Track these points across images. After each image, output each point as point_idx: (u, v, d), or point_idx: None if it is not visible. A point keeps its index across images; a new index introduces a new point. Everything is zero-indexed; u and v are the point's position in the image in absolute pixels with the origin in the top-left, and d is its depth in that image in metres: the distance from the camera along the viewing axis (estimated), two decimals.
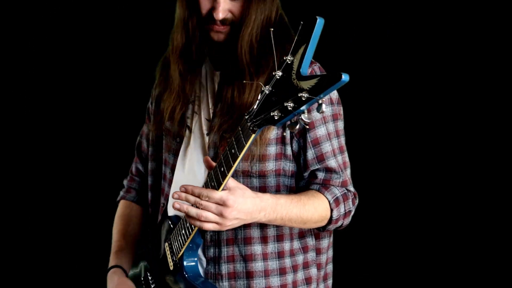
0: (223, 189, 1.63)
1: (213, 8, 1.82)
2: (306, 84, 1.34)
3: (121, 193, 2.31)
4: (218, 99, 1.94)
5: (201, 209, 1.62)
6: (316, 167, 1.87)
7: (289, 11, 1.95)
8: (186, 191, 1.66)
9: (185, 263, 1.89)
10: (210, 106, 1.97)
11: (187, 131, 2.01)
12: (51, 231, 3.57)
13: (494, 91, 2.95)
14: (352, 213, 1.91)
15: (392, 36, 3.00)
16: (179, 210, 1.66)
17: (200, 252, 1.92)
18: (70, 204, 3.55)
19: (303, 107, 1.36)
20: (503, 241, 2.99)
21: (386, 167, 3.12)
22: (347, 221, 1.90)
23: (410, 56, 3.02)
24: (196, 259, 1.91)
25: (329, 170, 1.87)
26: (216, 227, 1.65)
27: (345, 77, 1.28)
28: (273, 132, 1.84)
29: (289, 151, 1.88)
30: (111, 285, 2.11)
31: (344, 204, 1.87)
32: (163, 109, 2.04)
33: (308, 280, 1.94)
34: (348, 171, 1.94)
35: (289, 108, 1.37)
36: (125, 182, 2.32)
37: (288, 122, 1.42)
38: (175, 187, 2.03)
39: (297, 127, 1.41)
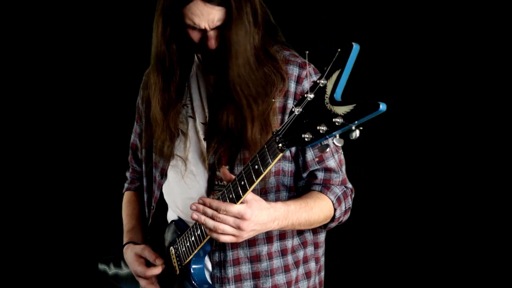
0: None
1: (204, 38, 1.80)
2: (340, 110, 1.34)
3: (126, 185, 2.33)
4: (213, 103, 1.93)
5: (218, 221, 1.64)
6: (316, 167, 1.89)
7: (294, 11, 1.95)
8: (204, 204, 1.66)
9: (192, 269, 1.90)
10: (206, 109, 1.96)
11: (182, 136, 1.99)
12: (48, 229, 3.56)
13: (494, 91, 2.98)
14: (351, 208, 1.97)
15: (392, 36, 3.01)
16: (196, 221, 1.67)
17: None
18: (66, 202, 3.53)
19: (336, 132, 1.36)
20: (502, 240, 3.05)
21: (379, 163, 3.15)
22: (346, 217, 1.96)
23: (409, 56, 3.02)
24: (202, 265, 1.92)
25: (328, 170, 1.90)
26: (232, 240, 1.67)
27: (382, 107, 1.28)
28: None
29: (287, 152, 1.89)
30: (125, 257, 2.10)
31: (345, 202, 1.92)
32: (156, 113, 1.99)
33: (308, 275, 1.99)
34: (344, 168, 1.97)
35: (321, 132, 1.38)
36: (127, 174, 2.33)
37: (318, 145, 1.43)
38: (177, 192, 2.02)
39: (327, 150, 1.42)
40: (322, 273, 2.08)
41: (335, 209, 1.89)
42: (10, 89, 3.48)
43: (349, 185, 1.96)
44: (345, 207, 1.92)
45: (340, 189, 1.91)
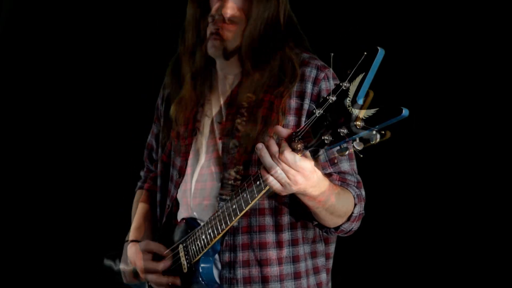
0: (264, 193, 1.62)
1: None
2: (362, 113, 1.34)
3: (139, 183, 2.33)
4: (231, 104, 1.94)
5: (277, 164, 1.52)
6: (329, 170, 1.87)
7: (299, 12, 1.98)
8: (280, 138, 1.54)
9: (201, 268, 1.89)
10: (223, 110, 1.96)
11: (198, 134, 2.00)
12: (55, 225, 3.58)
13: (494, 91, 2.94)
14: (363, 215, 1.89)
15: (402, 41, 2.99)
16: (259, 151, 1.54)
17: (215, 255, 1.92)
18: (72, 199, 3.56)
19: (356, 135, 1.36)
20: (503, 242, 2.99)
21: (377, 168, 3.12)
22: (357, 225, 1.88)
23: (412, 58, 2.99)
24: (211, 265, 1.91)
25: (342, 172, 1.87)
26: (278, 189, 1.56)
27: (405, 112, 1.27)
28: None
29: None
30: (129, 254, 2.09)
31: (361, 204, 1.85)
32: (174, 112, 2.03)
33: (319, 285, 1.96)
34: (357, 175, 1.93)
35: (342, 135, 1.37)
36: (141, 173, 2.34)
37: (338, 148, 1.42)
38: (190, 191, 2.01)
39: (346, 153, 1.42)
40: (330, 285, 2.04)
41: (355, 205, 1.81)
42: (28, 90, 3.52)
43: (363, 192, 1.90)
44: (360, 210, 1.85)
45: (356, 191, 1.85)
